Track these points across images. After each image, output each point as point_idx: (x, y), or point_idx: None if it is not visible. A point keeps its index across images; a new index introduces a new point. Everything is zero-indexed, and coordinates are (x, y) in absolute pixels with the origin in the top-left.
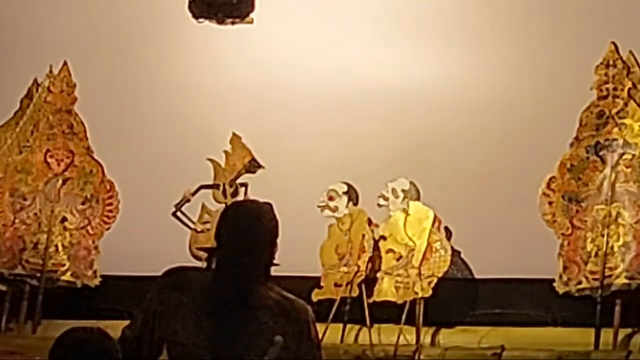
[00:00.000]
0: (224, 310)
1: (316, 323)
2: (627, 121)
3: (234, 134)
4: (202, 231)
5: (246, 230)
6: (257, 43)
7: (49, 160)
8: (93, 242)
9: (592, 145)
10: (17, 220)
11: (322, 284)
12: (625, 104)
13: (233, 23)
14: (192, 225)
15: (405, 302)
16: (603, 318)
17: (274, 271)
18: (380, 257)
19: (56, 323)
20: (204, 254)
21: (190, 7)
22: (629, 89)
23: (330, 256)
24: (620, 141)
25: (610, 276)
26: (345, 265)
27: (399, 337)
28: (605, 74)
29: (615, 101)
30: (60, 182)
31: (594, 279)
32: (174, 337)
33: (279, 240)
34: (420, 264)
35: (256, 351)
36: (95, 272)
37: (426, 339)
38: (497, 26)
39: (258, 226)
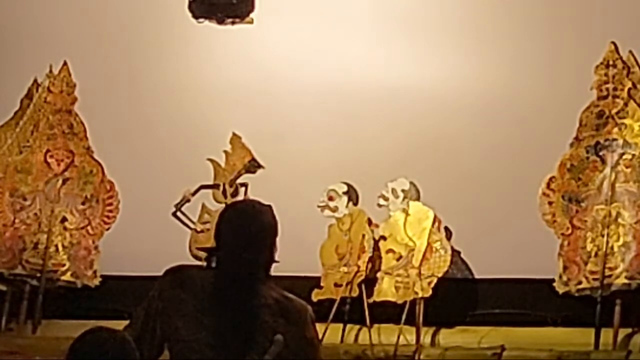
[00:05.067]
0: (225, 309)
1: (316, 323)
2: (627, 121)
3: (234, 134)
4: (202, 231)
5: (247, 229)
6: (257, 43)
7: (49, 160)
8: (93, 242)
9: (592, 145)
10: (17, 220)
11: (322, 284)
12: (625, 104)
13: (233, 23)
14: (192, 225)
15: (405, 302)
16: (603, 318)
17: (274, 271)
18: (380, 257)
19: (56, 323)
20: (204, 254)
21: (190, 7)
22: (629, 89)
23: (330, 256)
24: (620, 141)
25: (610, 276)
26: (345, 265)
27: (399, 337)
28: (605, 74)
29: (615, 101)
30: (60, 182)
31: (594, 279)
32: (175, 335)
33: (279, 240)
34: (421, 264)
35: (257, 349)
36: (95, 272)
37: (426, 339)
38: (497, 26)
39: (258, 225)
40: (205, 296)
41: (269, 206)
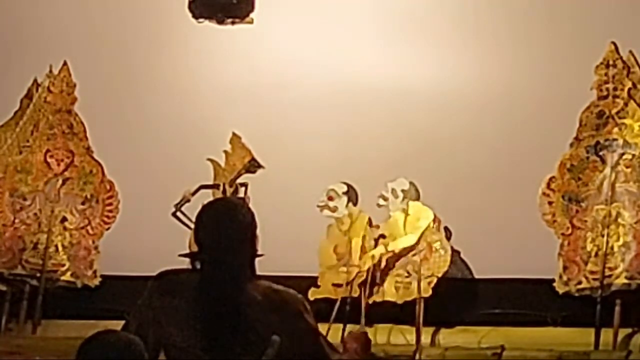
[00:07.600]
0: (215, 312)
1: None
2: (627, 121)
3: (234, 134)
4: None
5: (223, 228)
6: (257, 43)
7: (49, 160)
8: (93, 242)
9: (592, 145)
10: (17, 220)
11: (319, 282)
12: (625, 104)
13: (233, 23)
14: (192, 225)
15: (405, 302)
16: (603, 318)
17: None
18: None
19: (56, 323)
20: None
21: (190, 7)
22: (629, 89)
23: (329, 256)
24: (620, 141)
25: (610, 276)
26: (344, 265)
27: (398, 337)
28: (605, 74)
29: (615, 101)
30: (60, 182)
31: (594, 279)
32: (170, 341)
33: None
34: (400, 255)
35: (252, 349)
36: (95, 272)
37: (426, 339)
38: (497, 26)
39: (234, 222)
40: (196, 301)
41: (243, 199)
